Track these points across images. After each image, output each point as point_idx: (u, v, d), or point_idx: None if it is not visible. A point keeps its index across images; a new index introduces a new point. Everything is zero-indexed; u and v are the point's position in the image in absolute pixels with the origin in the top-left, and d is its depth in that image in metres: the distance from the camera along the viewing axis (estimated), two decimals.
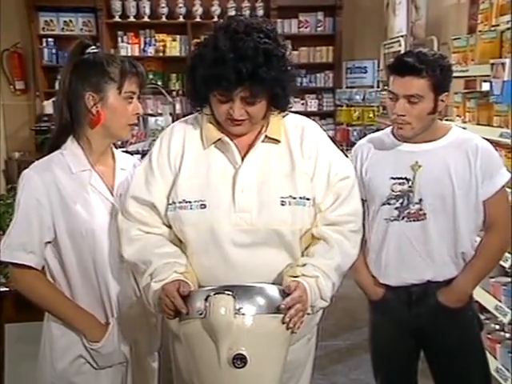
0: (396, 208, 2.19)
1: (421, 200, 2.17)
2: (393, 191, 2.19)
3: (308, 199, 1.73)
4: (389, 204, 2.20)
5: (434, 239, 2.18)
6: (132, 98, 1.89)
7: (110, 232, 1.87)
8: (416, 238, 2.19)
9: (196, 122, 1.83)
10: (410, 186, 2.18)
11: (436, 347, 2.30)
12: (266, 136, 1.76)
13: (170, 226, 1.80)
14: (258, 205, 1.70)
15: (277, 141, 1.77)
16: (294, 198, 1.71)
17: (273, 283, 1.68)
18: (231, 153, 1.75)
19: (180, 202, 1.73)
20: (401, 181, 2.19)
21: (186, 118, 1.89)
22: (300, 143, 1.79)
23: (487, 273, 2.40)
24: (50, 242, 1.86)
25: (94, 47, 1.92)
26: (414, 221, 2.17)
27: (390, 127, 2.32)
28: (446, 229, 2.18)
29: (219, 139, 1.76)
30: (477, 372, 2.32)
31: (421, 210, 2.18)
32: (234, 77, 1.60)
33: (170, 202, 1.75)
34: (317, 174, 1.77)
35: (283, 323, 1.56)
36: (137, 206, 1.80)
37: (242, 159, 1.75)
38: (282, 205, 1.70)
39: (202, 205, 1.71)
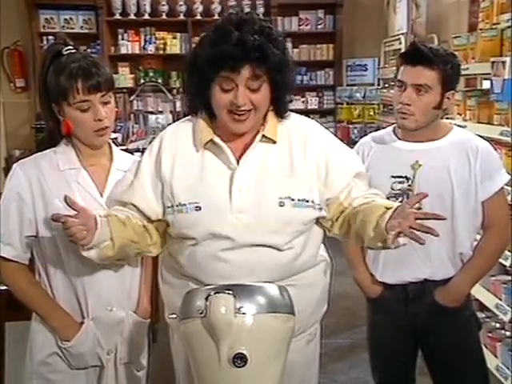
0: None
1: None
2: (392, 189, 2.20)
3: (307, 201, 1.71)
4: None
5: (433, 238, 2.16)
6: (85, 106, 1.79)
7: None
8: None
9: (189, 125, 1.79)
10: (409, 185, 2.18)
11: (433, 346, 2.30)
12: (264, 136, 1.73)
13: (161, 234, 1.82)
14: (256, 205, 1.68)
15: (273, 141, 1.74)
16: (293, 200, 1.69)
17: (269, 282, 1.67)
18: (225, 155, 1.72)
19: (177, 206, 1.71)
20: (401, 179, 2.19)
21: (180, 120, 1.86)
22: (303, 147, 1.75)
23: (485, 273, 2.40)
24: (34, 237, 1.86)
25: (70, 47, 1.86)
26: None
27: (392, 126, 2.32)
28: (445, 228, 2.17)
29: (211, 140, 1.72)
30: (474, 371, 2.32)
31: (419, 208, 2.17)
32: (240, 51, 1.57)
33: (169, 205, 1.73)
34: (331, 175, 1.76)
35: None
36: (120, 207, 1.79)
37: (238, 160, 1.72)
38: (281, 206, 1.68)
39: (196, 207, 1.68)
